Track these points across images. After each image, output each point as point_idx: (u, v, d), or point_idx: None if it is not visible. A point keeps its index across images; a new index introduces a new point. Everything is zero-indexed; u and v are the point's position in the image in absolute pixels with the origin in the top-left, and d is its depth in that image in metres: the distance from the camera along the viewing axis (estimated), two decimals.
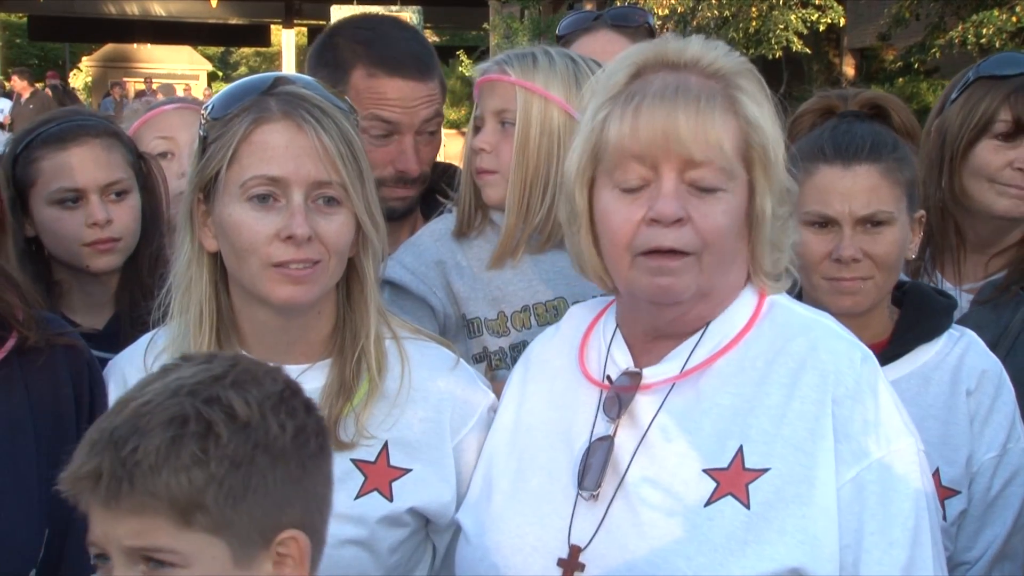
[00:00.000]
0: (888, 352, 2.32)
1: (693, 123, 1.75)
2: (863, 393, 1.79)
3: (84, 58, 44.26)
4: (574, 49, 3.00)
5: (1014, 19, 11.52)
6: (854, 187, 2.29)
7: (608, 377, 1.93)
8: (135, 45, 40.43)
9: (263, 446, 1.46)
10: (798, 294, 2.26)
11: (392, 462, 2.04)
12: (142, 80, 32.89)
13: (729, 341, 1.86)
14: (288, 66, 26.65)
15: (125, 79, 33.02)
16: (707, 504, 1.76)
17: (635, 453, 1.84)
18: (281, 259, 1.91)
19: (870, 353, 1.86)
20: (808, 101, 2.58)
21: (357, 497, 2.00)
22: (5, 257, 2.11)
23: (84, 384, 2.10)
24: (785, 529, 1.73)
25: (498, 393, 2.15)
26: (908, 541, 1.75)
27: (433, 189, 2.78)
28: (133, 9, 33.46)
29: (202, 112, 2.02)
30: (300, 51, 28.29)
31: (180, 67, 41.33)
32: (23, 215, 2.63)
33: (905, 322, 2.40)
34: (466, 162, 2.57)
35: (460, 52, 21.29)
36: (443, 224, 2.61)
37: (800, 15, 14.16)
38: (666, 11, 14.47)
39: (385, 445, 2.03)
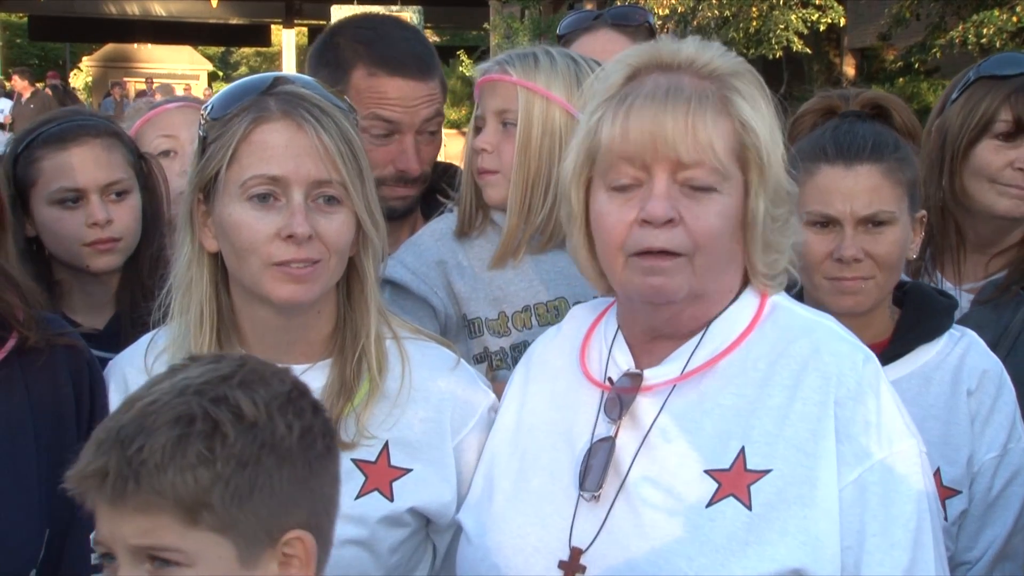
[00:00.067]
0: (889, 352, 2.32)
1: (682, 124, 1.75)
2: (865, 395, 1.79)
3: (84, 58, 44.30)
4: (575, 48, 3.00)
5: (1015, 19, 11.53)
6: (856, 187, 2.29)
7: (609, 378, 1.93)
8: (135, 45, 40.47)
9: (270, 446, 1.46)
10: (799, 294, 2.26)
11: (393, 462, 2.03)
12: (143, 80, 32.93)
13: (731, 342, 1.86)
14: (288, 66, 26.66)
15: (126, 79, 33.05)
16: (709, 505, 1.76)
17: (636, 454, 1.84)
18: (282, 258, 1.91)
19: (872, 355, 1.86)
20: (809, 101, 2.59)
21: (358, 497, 2.00)
22: (5, 257, 2.11)
23: (84, 384, 2.10)
24: (787, 530, 1.73)
25: (499, 394, 2.15)
26: (910, 542, 1.75)
27: (434, 189, 2.78)
28: (133, 9, 33.48)
29: (201, 112, 2.02)
30: (300, 51, 28.31)
31: (180, 67, 41.36)
32: (24, 215, 2.63)
33: (906, 322, 2.40)
34: (467, 162, 2.57)
35: (460, 52, 21.31)
36: (444, 224, 2.61)
37: (800, 15, 14.16)
38: (666, 11, 14.47)
39: (386, 445, 2.03)
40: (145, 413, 1.45)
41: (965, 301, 2.79)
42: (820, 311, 2.00)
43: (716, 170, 1.77)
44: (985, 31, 11.53)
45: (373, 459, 2.02)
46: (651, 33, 3.34)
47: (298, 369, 1.97)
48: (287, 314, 2.00)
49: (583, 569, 1.81)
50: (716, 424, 1.82)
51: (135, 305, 2.58)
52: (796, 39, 14.17)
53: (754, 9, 14.17)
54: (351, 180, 1.95)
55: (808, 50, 14.84)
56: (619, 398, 1.89)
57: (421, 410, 2.06)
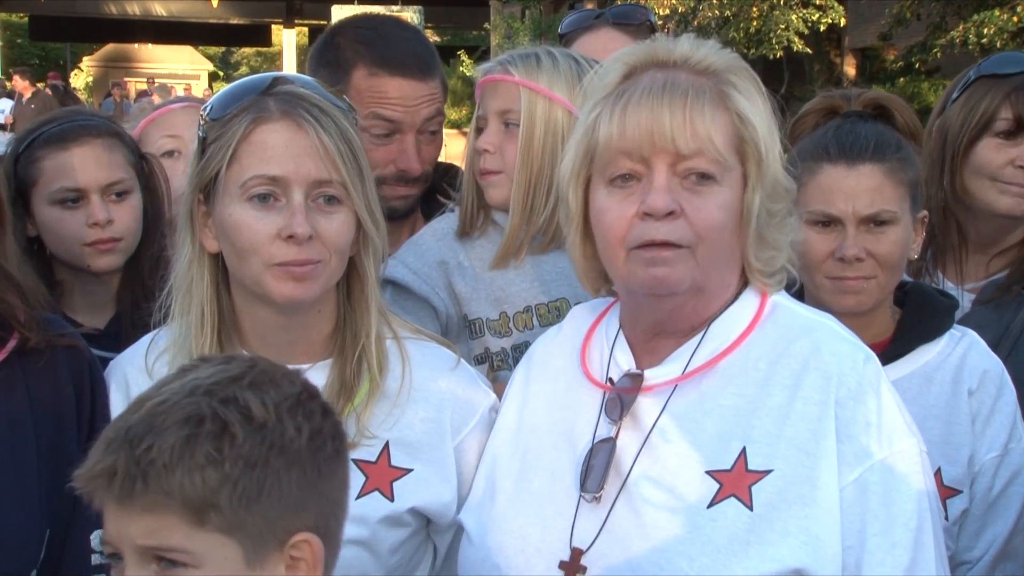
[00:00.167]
0: (890, 352, 2.32)
1: (680, 117, 1.76)
2: (866, 394, 1.79)
3: (85, 58, 44.33)
4: (576, 48, 3.01)
5: (1015, 19, 11.54)
6: (858, 187, 2.29)
7: (610, 379, 1.93)
8: (136, 45, 40.50)
9: (279, 448, 1.45)
10: (799, 294, 2.26)
11: (393, 462, 2.03)
12: (144, 80, 32.96)
13: (731, 342, 1.86)
14: (289, 66, 26.66)
15: (126, 79, 33.10)
16: (710, 505, 1.76)
17: (638, 455, 1.84)
18: (282, 259, 1.91)
19: (873, 355, 1.86)
20: (811, 101, 2.59)
21: (358, 497, 1.99)
22: (5, 257, 2.11)
23: (85, 384, 2.10)
24: (788, 530, 1.72)
25: (500, 394, 2.15)
26: (910, 542, 1.75)
27: (434, 189, 2.78)
28: (134, 9, 33.48)
29: (201, 113, 2.02)
30: (301, 51, 28.31)
31: (181, 67, 41.40)
32: (25, 215, 2.63)
33: (907, 322, 2.40)
34: (468, 162, 2.57)
35: (461, 52, 21.32)
36: (445, 224, 2.61)
37: (801, 15, 14.16)
38: (667, 11, 14.47)
39: (386, 445, 2.03)
40: (154, 413, 1.44)
41: (966, 301, 2.79)
42: (821, 311, 2.00)
43: (716, 160, 1.78)
44: (986, 31, 11.54)
45: (373, 459, 2.02)
46: (652, 31, 3.34)
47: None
48: (288, 314, 2.00)
49: (584, 569, 1.81)
50: (717, 424, 1.82)
51: (136, 305, 2.58)
52: (797, 39, 14.17)
53: (755, 9, 14.17)
54: (351, 180, 1.95)
55: (809, 50, 14.84)
56: (620, 398, 1.89)
57: (421, 410, 2.06)
